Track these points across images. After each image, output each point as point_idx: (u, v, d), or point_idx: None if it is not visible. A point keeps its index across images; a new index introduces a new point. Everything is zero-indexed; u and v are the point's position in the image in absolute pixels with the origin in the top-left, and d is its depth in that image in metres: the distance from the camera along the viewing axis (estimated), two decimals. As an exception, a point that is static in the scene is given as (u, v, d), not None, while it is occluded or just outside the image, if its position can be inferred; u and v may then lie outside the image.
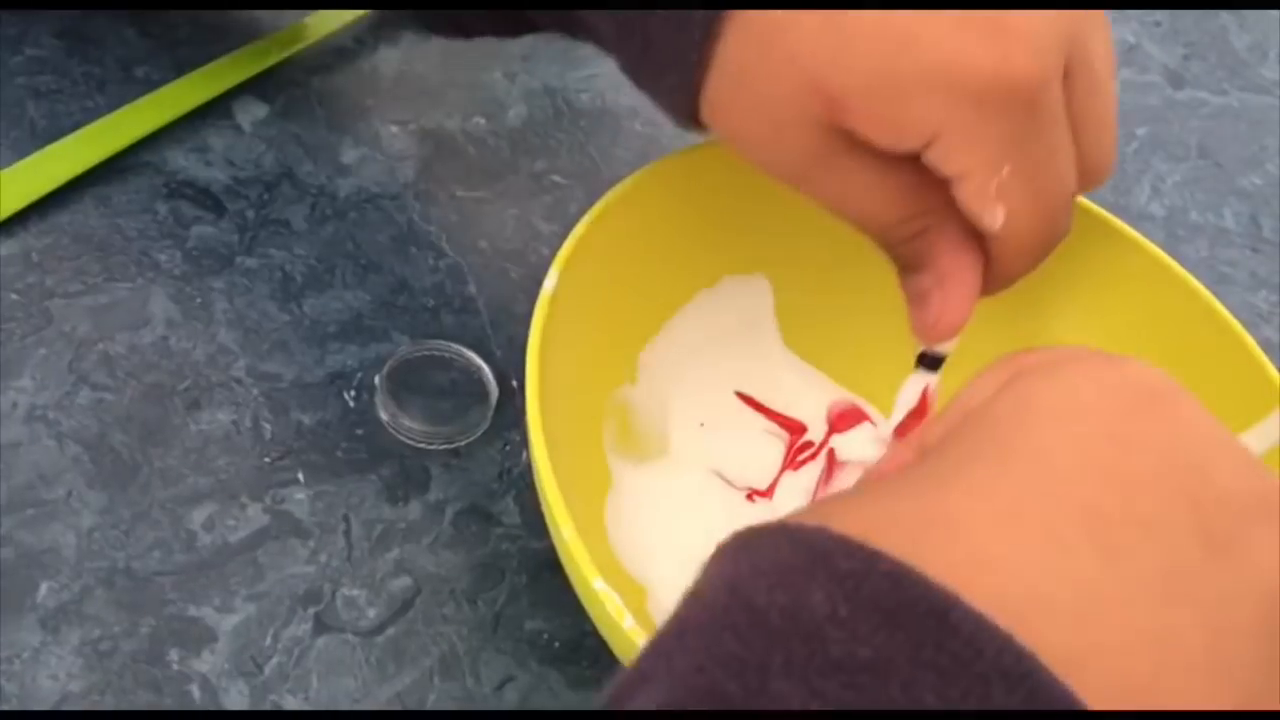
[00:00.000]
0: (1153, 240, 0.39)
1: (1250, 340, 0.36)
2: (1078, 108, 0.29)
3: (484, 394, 0.40)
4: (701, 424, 0.38)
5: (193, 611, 0.34)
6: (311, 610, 0.35)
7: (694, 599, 0.21)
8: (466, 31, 0.37)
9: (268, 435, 0.38)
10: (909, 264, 0.31)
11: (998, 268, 0.31)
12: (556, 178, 0.47)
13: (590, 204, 0.46)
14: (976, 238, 0.31)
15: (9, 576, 0.33)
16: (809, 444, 0.39)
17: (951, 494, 0.21)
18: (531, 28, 0.37)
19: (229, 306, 0.40)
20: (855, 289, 0.40)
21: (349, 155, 0.45)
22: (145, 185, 0.42)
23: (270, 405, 0.38)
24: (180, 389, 0.38)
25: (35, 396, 0.37)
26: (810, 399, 0.40)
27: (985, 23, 0.27)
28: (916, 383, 0.33)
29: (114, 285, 0.40)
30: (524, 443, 0.40)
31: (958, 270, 0.31)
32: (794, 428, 0.40)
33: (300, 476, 0.37)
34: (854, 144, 0.29)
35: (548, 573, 0.37)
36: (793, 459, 0.39)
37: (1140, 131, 0.57)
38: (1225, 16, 0.65)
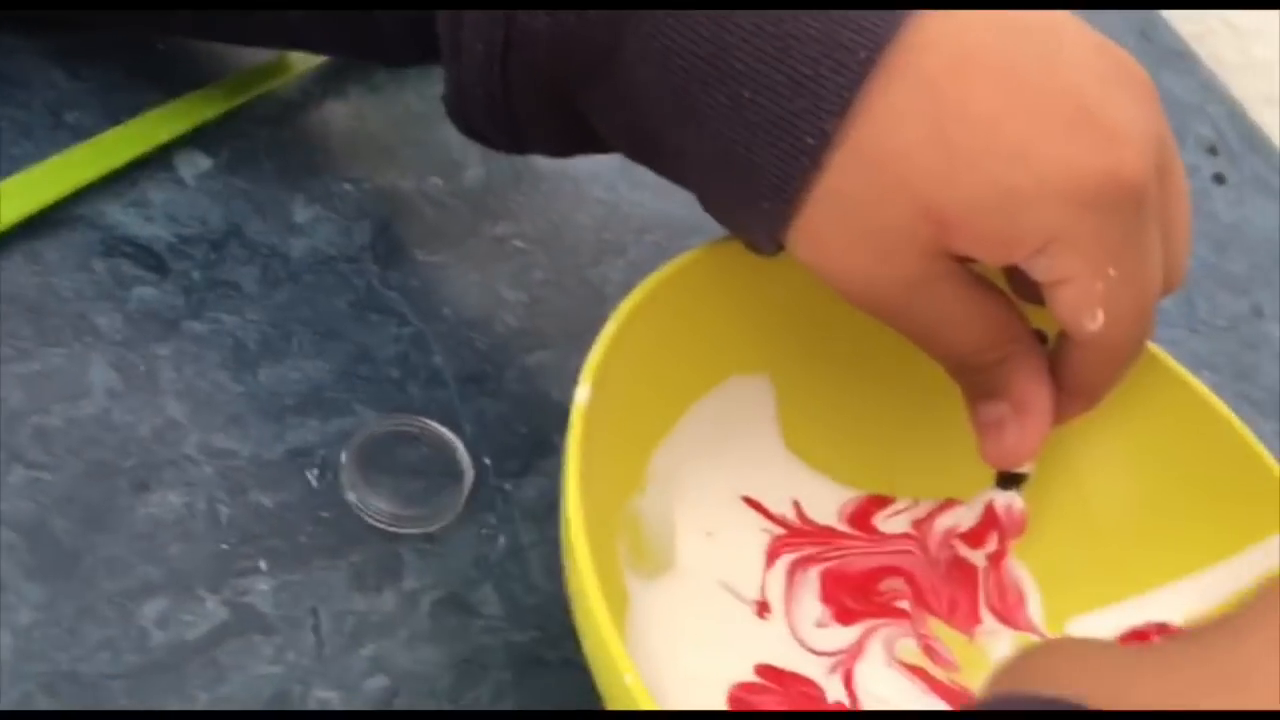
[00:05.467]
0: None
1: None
2: (1163, 213, 0.30)
3: (457, 473, 0.37)
4: (709, 533, 0.36)
5: (148, 720, 0.30)
6: (281, 716, 0.32)
7: None
8: (521, 146, 0.35)
9: (224, 519, 0.34)
10: (985, 391, 0.31)
11: (1083, 380, 0.31)
12: (518, 243, 0.45)
13: (554, 271, 0.45)
14: (1049, 370, 0.31)
15: (-66, 684, 0.29)
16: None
17: None
18: (596, 147, 0.36)
19: (176, 376, 0.37)
20: (858, 386, 0.38)
21: (301, 214, 0.42)
22: (80, 241, 0.38)
23: (226, 486, 0.35)
24: (126, 467, 0.34)
25: (-39, 476, 0.33)
26: (816, 503, 0.39)
27: (1092, 129, 0.27)
28: (997, 500, 0.33)
29: (48, 351, 0.36)
30: (500, 528, 0.37)
31: (1035, 399, 0.31)
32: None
33: (262, 565, 0.34)
34: (951, 270, 0.29)
35: (534, 669, 0.35)
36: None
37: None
38: (1145, 101, 0.66)
